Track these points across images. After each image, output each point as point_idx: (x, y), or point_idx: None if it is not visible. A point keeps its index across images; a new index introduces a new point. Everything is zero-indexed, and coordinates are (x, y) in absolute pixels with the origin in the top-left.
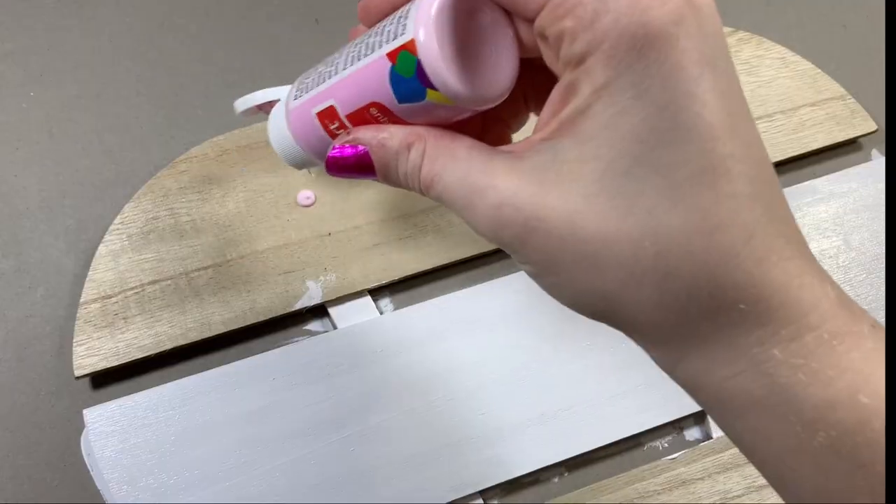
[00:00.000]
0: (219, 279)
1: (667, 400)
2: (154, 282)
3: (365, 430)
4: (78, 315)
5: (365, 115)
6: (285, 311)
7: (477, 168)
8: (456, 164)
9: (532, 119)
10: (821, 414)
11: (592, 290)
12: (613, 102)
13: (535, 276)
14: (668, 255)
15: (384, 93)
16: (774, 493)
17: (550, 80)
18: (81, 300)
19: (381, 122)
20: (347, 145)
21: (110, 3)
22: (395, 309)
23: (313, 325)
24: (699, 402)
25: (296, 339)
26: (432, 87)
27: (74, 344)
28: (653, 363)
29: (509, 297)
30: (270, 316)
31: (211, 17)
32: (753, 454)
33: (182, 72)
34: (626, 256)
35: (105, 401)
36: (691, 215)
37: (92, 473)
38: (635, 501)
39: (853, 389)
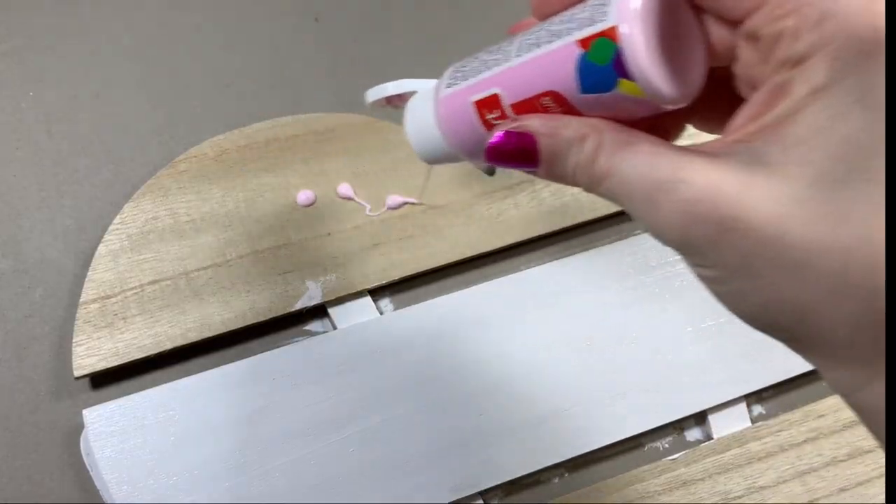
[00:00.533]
0: (218, 279)
1: (667, 400)
2: (154, 282)
3: (365, 431)
4: (77, 315)
5: (535, 105)
6: (285, 312)
7: (665, 162)
8: (638, 158)
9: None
10: None
11: (787, 300)
12: (832, 105)
13: (717, 281)
14: (881, 271)
15: (566, 81)
16: (774, 494)
17: (724, 91)
18: (81, 300)
19: (550, 112)
20: (514, 132)
21: (109, 3)
22: (395, 309)
23: (313, 326)
24: (878, 427)
25: (296, 339)
26: (628, 77)
27: (74, 344)
28: (651, 363)
29: (509, 297)
30: (270, 316)
31: (210, 17)
32: None
33: (181, 71)
34: (835, 268)
35: (104, 401)
36: None
37: (91, 474)
38: (636, 502)
39: None
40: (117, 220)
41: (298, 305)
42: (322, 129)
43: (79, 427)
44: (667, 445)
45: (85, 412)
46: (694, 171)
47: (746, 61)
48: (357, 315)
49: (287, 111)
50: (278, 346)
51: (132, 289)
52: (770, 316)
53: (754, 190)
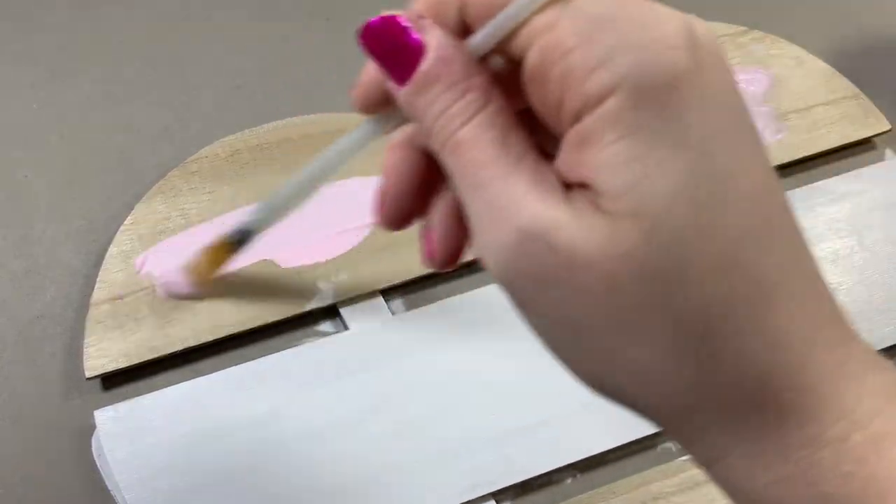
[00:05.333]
0: (230, 280)
1: None
2: (168, 283)
3: (376, 432)
4: (89, 316)
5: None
6: (297, 312)
7: (521, 181)
8: (504, 152)
9: None
10: None
11: (624, 358)
12: (646, 154)
13: (548, 332)
14: (716, 334)
15: None
16: None
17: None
18: (92, 301)
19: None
20: (411, 27)
21: (120, 3)
22: (408, 310)
23: (325, 326)
24: None
25: (307, 340)
26: None
27: (85, 345)
28: None
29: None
30: (282, 317)
31: (221, 17)
32: None
33: (192, 71)
34: (668, 331)
35: (116, 402)
36: (739, 290)
37: (103, 475)
38: (649, 503)
39: None
40: (129, 220)
41: (310, 306)
42: (334, 128)
43: (90, 428)
44: (680, 446)
45: (96, 413)
46: (541, 204)
47: (540, 101)
48: (369, 315)
49: (299, 112)
50: (290, 347)
51: (143, 289)
52: (609, 376)
53: (592, 242)
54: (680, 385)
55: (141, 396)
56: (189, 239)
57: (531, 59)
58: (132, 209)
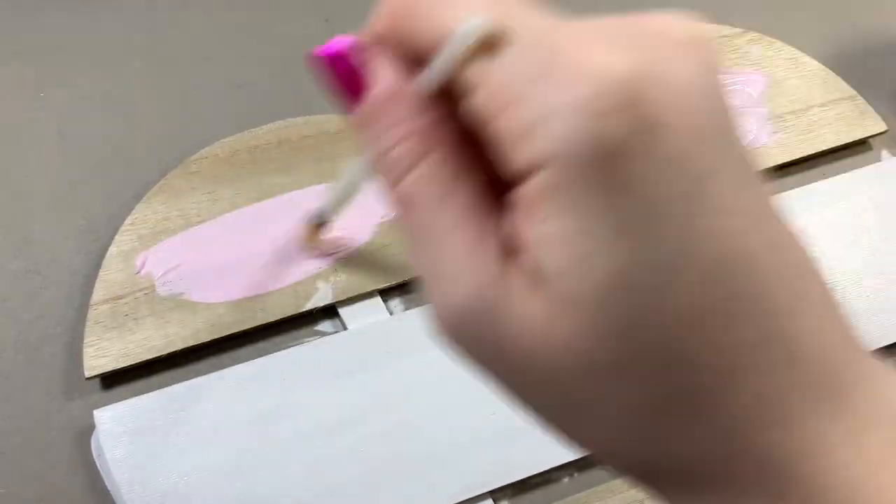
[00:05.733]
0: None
1: None
2: (166, 285)
3: (375, 431)
4: (88, 316)
5: None
6: (296, 312)
7: (463, 242)
8: (443, 213)
9: None
10: None
11: (574, 434)
12: (586, 234)
13: (499, 391)
14: (663, 418)
15: None
16: None
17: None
18: (92, 301)
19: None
20: (362, 57)
21: (120, 3)
22: (406, 309)
23: (323, 326)
24: None
25: (306, 339)
26: None
27: (85, 345)
28: None
29: None
30: (281, 316)
31: (220, 17)
32: None
33: (191, 71)
34: (613, 415)
35: (116, 401)
36: (688, 376)
37: (102, 474)
38: (646, 502)
39: None
40: (129, 220)
41: (309, 306)
42: (334, 129)
43: (90, 427)
44: None
45: (96, 412)
46: (475, 280)
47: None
48: (367, 315)
49: (299, 112)
50: (289, 347)
51: (143, 289)
52: (571, 445)
53: (533, 328)
54: (635, 460)
55: (140, 396)
56: (189, 239)
57: (474, 107)
58: (132, 209)
